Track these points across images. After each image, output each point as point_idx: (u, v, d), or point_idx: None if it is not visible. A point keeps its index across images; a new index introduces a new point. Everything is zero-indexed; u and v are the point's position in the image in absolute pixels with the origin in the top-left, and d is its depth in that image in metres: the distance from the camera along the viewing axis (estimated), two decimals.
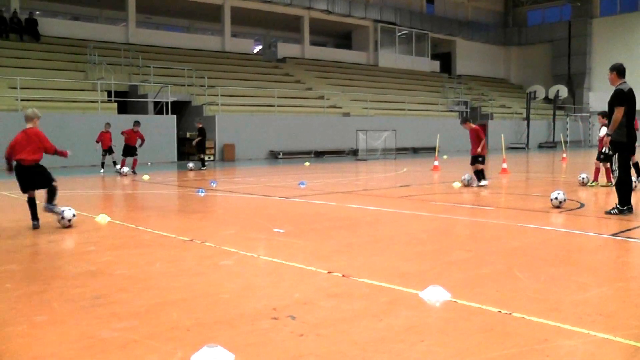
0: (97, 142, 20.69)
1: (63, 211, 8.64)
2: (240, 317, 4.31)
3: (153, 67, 29.76)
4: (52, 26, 32.98)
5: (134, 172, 19.58)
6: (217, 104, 29.74)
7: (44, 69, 27.86)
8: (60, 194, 10.30)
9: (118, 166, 19.93)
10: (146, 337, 3.90)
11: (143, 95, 28.77)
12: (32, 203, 8.73)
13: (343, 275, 5.48)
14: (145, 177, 17.71)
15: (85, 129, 23.85)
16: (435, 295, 4.72)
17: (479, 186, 14.11)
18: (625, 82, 9.12)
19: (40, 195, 8.77)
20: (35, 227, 8.51)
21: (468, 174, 14.63)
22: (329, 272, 5.61)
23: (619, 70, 9.17)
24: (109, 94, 27.20)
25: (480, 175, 14.31)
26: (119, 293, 5.01)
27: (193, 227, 8.80)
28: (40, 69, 27.84)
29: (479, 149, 14.17)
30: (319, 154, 31.93)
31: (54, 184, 8.88)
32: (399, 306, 4.56)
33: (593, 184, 13.80)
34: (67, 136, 23.47)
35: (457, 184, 14.40)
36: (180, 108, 29.83)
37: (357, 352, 3.62)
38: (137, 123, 20.44)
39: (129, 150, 20.03)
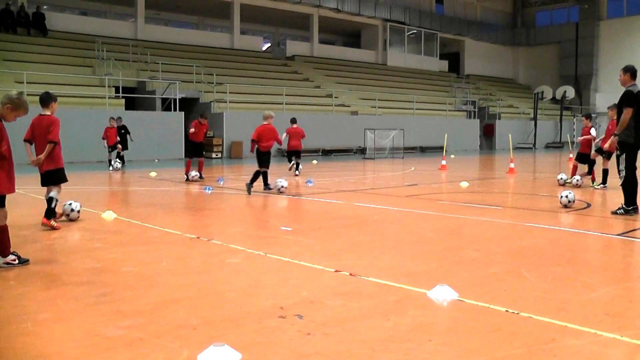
0: (104, 138, 20.09)
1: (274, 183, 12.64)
2: (247, 315, 4.29)
3: (161, 63, 29.73)
4: (60, 21, 32.93)
5: (200, 177, 16.00)
6: (225, 101, 29.74)
7: (51, 64, 27.82)
8: (69, 190, 10.35)
9: (115, 164, 19.79)
10: (152, 336, 3.88)
11: (151, 92, 28.78)
12: (257, 173, 12.79)
13: (350, 274, 5.46)
14: (152, 174, 17.71)
15: (92, 125, 23.85)
16: (442, 294, 4.70)
17: (296, 175, 17.14)
18: (635, 84, 9.17)
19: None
20: (248, 187, 12.38)
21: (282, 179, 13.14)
22: (336, 271, 5.59)
23: (632, 72, 9.25)
24: (117, 89, 27.21)
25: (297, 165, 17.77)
26: (125, 290, 5.00)
27: (200, 225, 8.80)
28: (48, 63, 27.80)
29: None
30: (327, 152, 31.90)
31: (262, 169, 12.72)
32: (407, 305, 4.54)
33: (599, 185, 13.73)
34: (74, 132, 23.51)
35: (464, 184, 14.36)
36: (188, 105, 29.83)
37: (365, 351, 3.60)
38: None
39: (196, 150, 16.39)
